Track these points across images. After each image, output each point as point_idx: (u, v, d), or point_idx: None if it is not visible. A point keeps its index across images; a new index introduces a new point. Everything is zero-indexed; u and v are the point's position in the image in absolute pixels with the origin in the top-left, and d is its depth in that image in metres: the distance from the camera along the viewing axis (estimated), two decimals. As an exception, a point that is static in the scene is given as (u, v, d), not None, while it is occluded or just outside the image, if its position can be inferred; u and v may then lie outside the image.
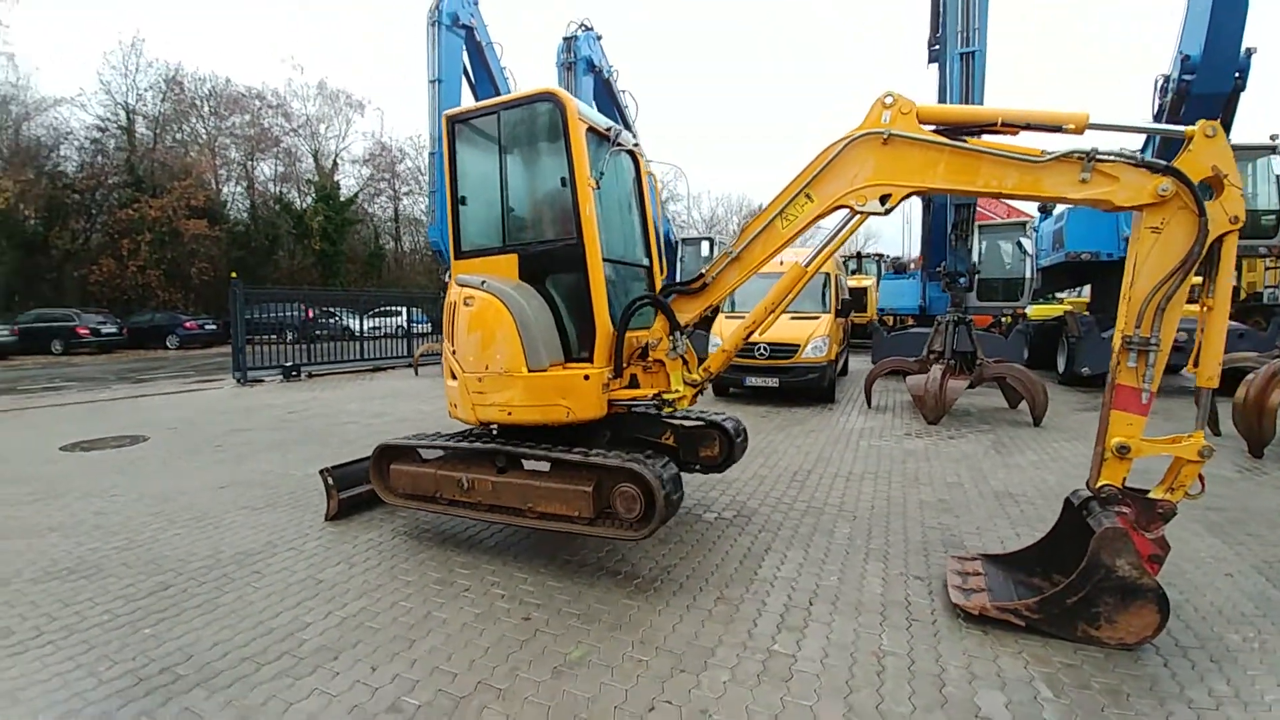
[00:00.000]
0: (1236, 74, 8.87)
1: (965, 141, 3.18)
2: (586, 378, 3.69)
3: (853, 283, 22.45)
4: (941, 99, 9.59)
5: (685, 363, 3.95)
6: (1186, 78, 9.05)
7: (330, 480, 4.74)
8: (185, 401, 10.94)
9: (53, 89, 43.09)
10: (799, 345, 9.54)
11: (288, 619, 3.19)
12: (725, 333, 10.08)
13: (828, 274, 10.89)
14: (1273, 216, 10.20)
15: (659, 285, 4.55)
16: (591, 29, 12.28)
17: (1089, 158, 2.94)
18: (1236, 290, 17.82)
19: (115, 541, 4.31)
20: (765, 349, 9.65)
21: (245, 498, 5.27)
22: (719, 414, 4.83)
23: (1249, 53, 8.80)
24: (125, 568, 3.86)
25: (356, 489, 4.82)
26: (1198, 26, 8.80)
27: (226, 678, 2.68)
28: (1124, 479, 3.07)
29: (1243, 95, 9.14)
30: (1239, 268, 17.03)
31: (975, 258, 13.76)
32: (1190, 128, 2.91)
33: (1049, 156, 3.02)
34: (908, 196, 3.36)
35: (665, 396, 3.81)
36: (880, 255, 27.64)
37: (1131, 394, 2.99)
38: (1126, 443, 3.00)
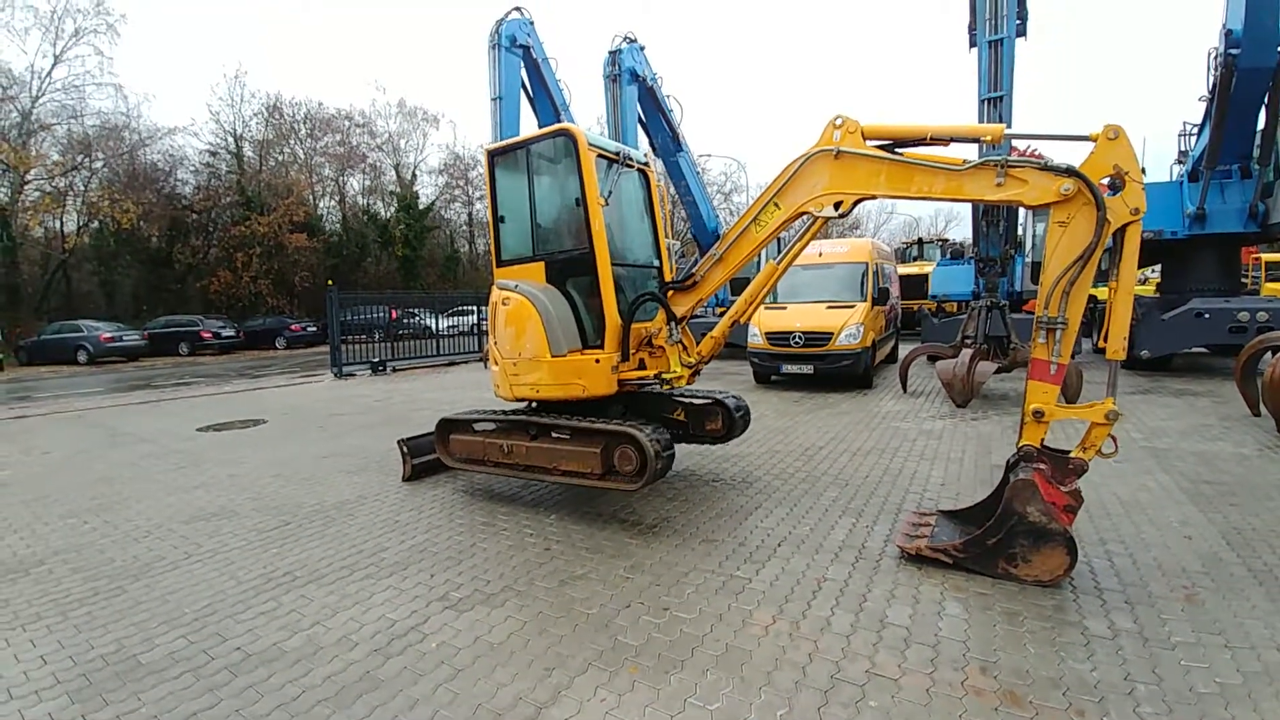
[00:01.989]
0: None
1: (902, 154, 3.76)
2: (597, 361, 4.52)
3: (914, 269, 22.14)
4: (980, 83, 9.70)
5: (684, 347, 4.70)
6: (1233, 52, 8.80)
7: (406, 449, 5.85)
8: (293, 392, 12.69)
9: (166, 118, 48.45)
10: (832, 333, 9.98)
11: (373, 545, 4.25)
12: (763, 322, 10.66)
13: (865, 263, 11.22)
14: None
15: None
16: (635, 40, 13.01)
17: (1002, 165, 3.45)
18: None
19: (246, 495, 5.56)
20: (800, 337, 10.16)
21: (342, 464, 6.50)
22: (723, 393, 5.52)
23: (1291, 26, 8.44)
24: (255, 512, 5.06)
25: (426, 456, 5.88)
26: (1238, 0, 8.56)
27: (330, 578, 3.74)
28: (1042, 439, 3.55)
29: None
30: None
31: (1030, 240, 13.56)
32: (1095, 131, 3.37)
33: (969, 165, 3.54)
34: (857, 203, 3.96)
35: (665, 376, 4.57)
36: (945, 240, 26.86)
37: (1044, 367, 3.48)
38: (1041, 408, 3.49)
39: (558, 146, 4.73)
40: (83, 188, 29.49)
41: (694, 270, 4.57)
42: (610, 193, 4.64)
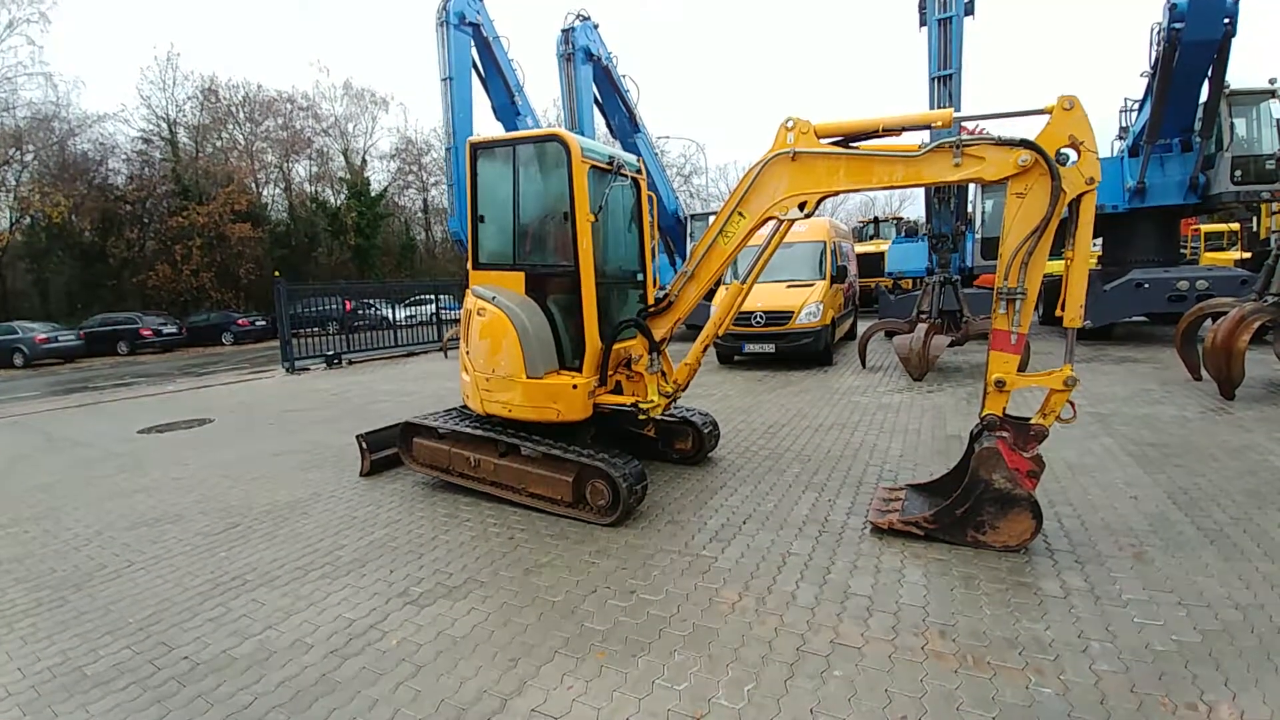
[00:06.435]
0: (1226, 20, 8.84)
1: (857, 148, 3.74)
2: (575, 387, 4.35)
3: (870, 248, 22.54)
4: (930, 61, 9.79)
5: (663, 374, 4.61)
6: (1176, 26, 9.08)
7: (364, 444, 5.65)
8: (242, 390, 12.17)
9: (96, 105, 45.48)
10: (793, 312, 10.07)
11: (329, 543, 4.10)
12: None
13: (823, 242, 11.32)
14: (1274, 161, 10.13)
15: (650, 294, 5.18)
16: (588, 19, 12.76)
17: (957, 145, 3.46)
18: (1255, 235, 17.33)
19: (192, 497, 5.30)
20: (761, 317, 10.21)
21: (295, 461, 6.26)
22: (693, 411, 5.49)
23: (1236, -2, 8.77)
24: (202, 515, 4.84)
25: (385, 451, 5.70)
26: None
27: (283, 579, 3.59)
28: (1004, 408, 3.61)
29: (1235, 40, 9.09)
30: (1258, 213, 16.54)
31: (980, 217, 13.90)
32: (1050, 103, 3.40)
33: (925, 149, 3.55)
34: (821, 200, 3.94)
35: (641, 405, 4.40)
36: (899, 218, 27.41)
37: (1005, 337, 3.53)
38: (1003, 377, 3.54)
39: (548, 153, 4.47)
40: (14, 182, 27.55)
41: (669, 290, 4.47)
42: (601, 208, 4.44)
